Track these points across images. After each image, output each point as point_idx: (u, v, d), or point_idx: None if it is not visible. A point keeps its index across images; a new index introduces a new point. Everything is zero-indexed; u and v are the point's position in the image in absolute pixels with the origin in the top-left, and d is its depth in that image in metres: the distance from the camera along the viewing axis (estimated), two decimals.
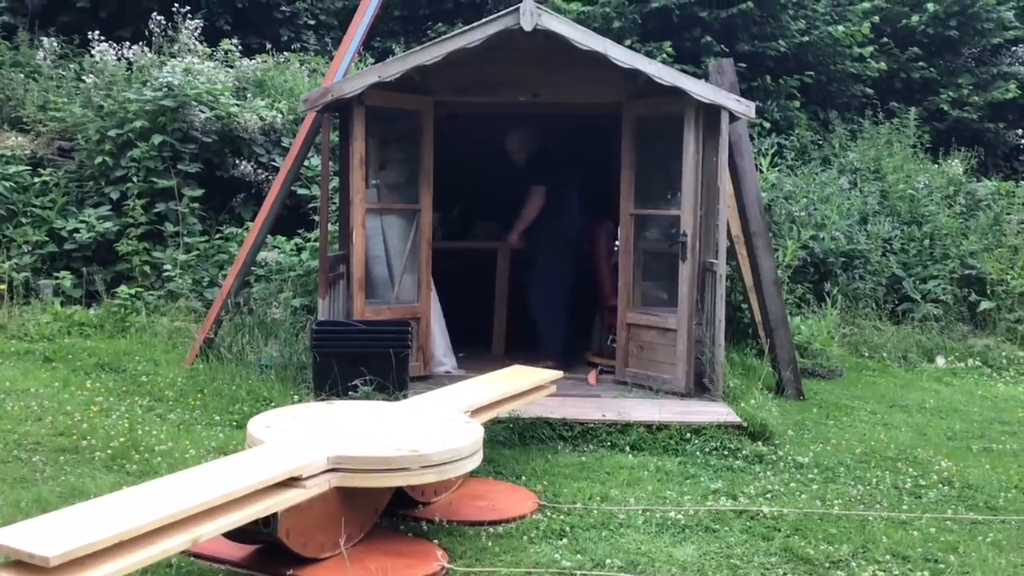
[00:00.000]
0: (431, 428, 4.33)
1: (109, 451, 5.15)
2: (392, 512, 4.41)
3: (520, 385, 5.52)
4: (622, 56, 6.46)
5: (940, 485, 5.33)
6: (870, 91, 13.71)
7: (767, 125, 12.17)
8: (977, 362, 9.21)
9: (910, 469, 5.61)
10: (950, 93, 13.84)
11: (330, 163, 7.08)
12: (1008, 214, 10.83)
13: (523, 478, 5.15)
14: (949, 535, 4.55)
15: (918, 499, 5.13)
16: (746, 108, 6.53)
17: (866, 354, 9.28)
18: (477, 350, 8.18)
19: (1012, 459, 6.03)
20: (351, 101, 6.51)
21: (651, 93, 6.67)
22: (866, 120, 12.65)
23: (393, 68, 6.48)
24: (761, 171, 10.34)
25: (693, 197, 6.59)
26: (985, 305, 9.92)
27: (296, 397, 6.04)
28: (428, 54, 6.45)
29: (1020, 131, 14.45)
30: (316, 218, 8.55)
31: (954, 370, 9.04)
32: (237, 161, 9.31)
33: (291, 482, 3.68)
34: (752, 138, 11.18)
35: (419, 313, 7.03)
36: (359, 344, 6.05)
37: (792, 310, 9.41)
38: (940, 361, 9.27)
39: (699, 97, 6.40)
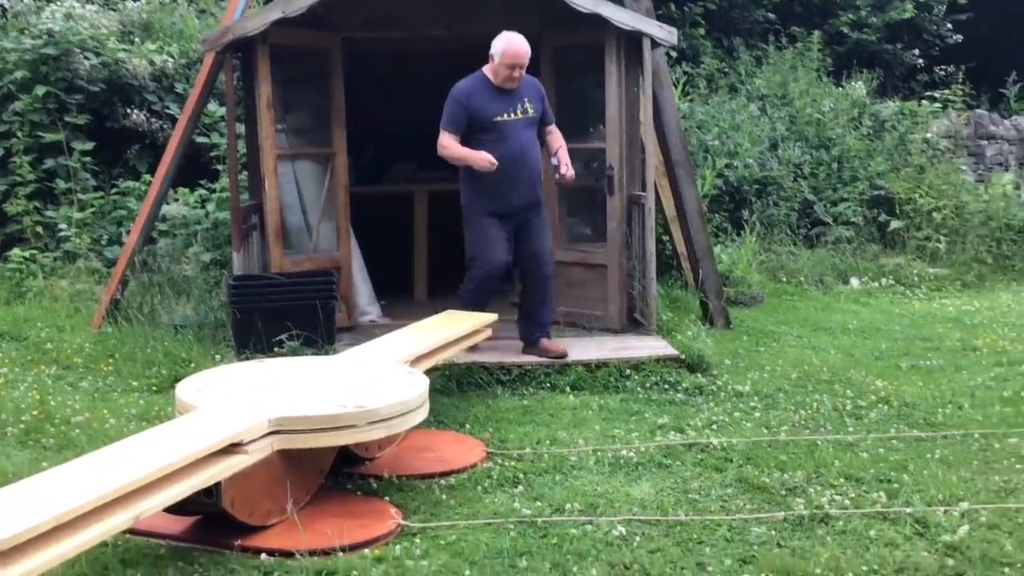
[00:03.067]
0: (374, 381, 4.12)
1: (21, 425, 4.78)
2: (337, 471, 4.19)
3: (458, 330, 5.33)
4: None
5: (879, 405, 5.37)
6: (772, 16, 13.72)
7: (674, 54, 12.05)
8: (890, 281, 9.38)
9: (847, 391, 5.63)
10: (849, 15, 13.94)
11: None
12: (912, 134, 11.01)
13: (467, 426, 4.99)
14: (896, 454, 4.56)
15: (860, 420, 5.15)
16: (668, 34, 6.38)
17: (784, 279, 9.36)
18: (399, 297, 7.95)
19: (941, 374, 6.12)
20: (254, 40, 6.12)
21: (570, 22, 6.45)
22: (770, 46, 12.66)
23: (297, 3, 6.09)
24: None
25: (618, 129, 6.43)
26: (895, 225, 10.10)
27: (218, 357, 5.72)
28: None
29: (917, 51, 14.66)
30: (219, 167, 8.13)
31: (869, 290, 9.19)
32: (128, 110, 8.76)
33: (232, 448, 3.43)
34: None
35: (340, 262, 6.75)
36: (281, 297, 5.76)
37: (711, 240, 9.41)
38: (855, 282, 9.41)
39: (620, 24, 6.20)
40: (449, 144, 5.66)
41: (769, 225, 9.99)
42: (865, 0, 14.08)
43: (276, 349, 5.57)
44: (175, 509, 3.42)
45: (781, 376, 5.99)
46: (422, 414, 3.99)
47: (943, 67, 14.47)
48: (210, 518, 3.59)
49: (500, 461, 4.45)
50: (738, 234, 9.57)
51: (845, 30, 13.84)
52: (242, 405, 3.72)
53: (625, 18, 6.22)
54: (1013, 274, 9.84)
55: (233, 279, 5.91)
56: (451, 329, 5.26)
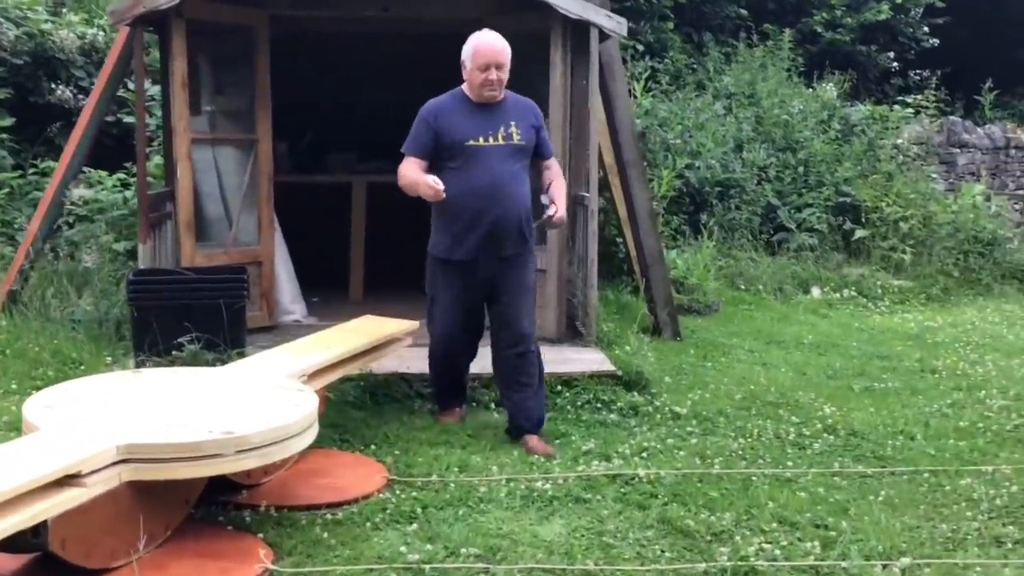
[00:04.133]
0: (254, 401, 3.67)
1: None
2: (212, 499, 3.74)
3: (369, 339, 4.87)
4: None
5: (824, 434, 4.96)
6: (744, 12, 13.30)
7: (640, 47, 11.64)
8: (852, 292, 9.02)
9: (792, 416, 5.23)
10: (823, 14, 13.55)
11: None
12: (882, 139, 10.63)
13: (374, 446, 4.54)
14: (838, 493, 4.16)
15: (802, 451, 4.75)
16: (617, 25, 5.93)
17: (742, 287, 8.97)
18: (334, 294, 7.50)
19: (895, 399, 5.73)
20: (168, 13, 5.62)
21: (515, 8, 6.02)
22: (740, 43, 12.25)
23: None
24: (635, 96, 9.83)
25: (562, 123, 5.99)
26: (860, 233, 9.73)
27: (110, 359, 5.23)
28: None
29: (892, 54, 14.30)
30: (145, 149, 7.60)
31: (830, 301, 8.82)
32: (53, 85, 8.23)
33: (68, 480, 2.97)
34: (625, 61, 10.64)
35: (260, 256, 6.28)
36: (185, 295, 5.28)
37: (668, 243, 9.00)
38: (816, 292, 9.04)
39: (565, 12, 5.76)
40: (406, 170, 4.53)
41: (730, 229, 9.60)
42: (840, 0, 13.70)
43: (175, 353, 5.09)
44: (4, 546, 2.97)
45: (724, 396, 5.59)
46: (306, 439, 3.54)
47: (918, 71, 14.14)
48: (49, 555, 3.13)
49: (400, 490, 4.01)
50: (696, 238, 9.16)
51: (819, 29, 13.45)
52: (91, 428, 3.25)
53: (571, 5, 5.77)
54: (979, 288, 9.51)
55: (134, 273, 5.42)
56: (362, 338, 4.80)
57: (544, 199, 4.66)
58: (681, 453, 4.61)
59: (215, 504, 3.75)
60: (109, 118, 8.14)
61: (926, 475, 4.42)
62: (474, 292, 4.67)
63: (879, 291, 9.06)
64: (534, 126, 4.67)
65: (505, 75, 4.54)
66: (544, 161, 4.78)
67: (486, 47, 4.51)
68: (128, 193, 7.06)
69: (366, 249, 7.70)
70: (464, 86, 4.64)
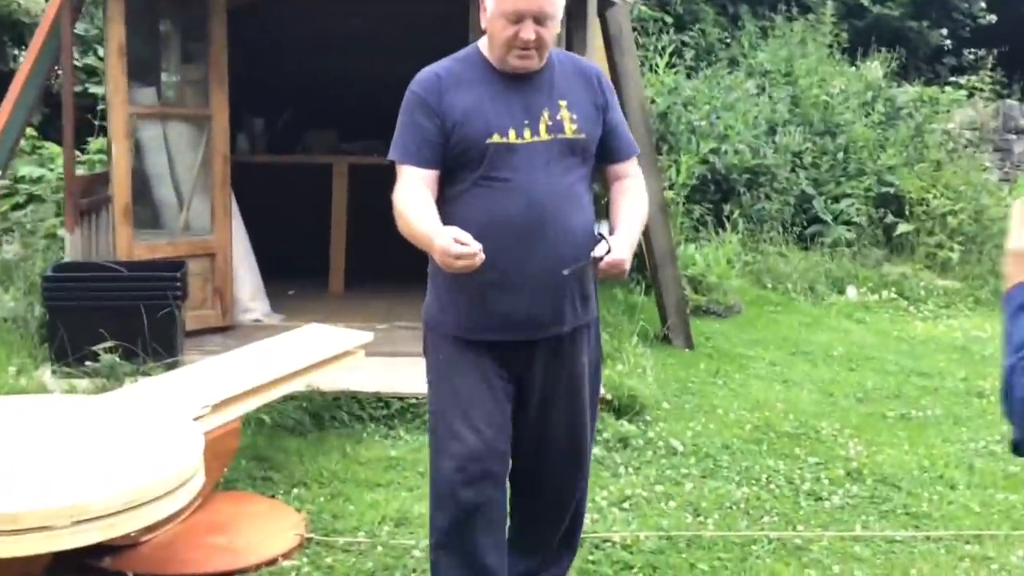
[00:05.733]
0: (119, 448, 2.94)
1: None
2: (78, 563, 3.03)
3: (312, 355, 4.13)
4: None
5: (847, 482, 4.15)
6: None
7: (669, 20, 10.74)
8: (892, 293, 8.14)
9: (811, 456, 4.43)
10: None
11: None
12: (931, 124, 9.68)
13: (301, 488, 3.81)
14: (858, 569, 3.37)
15: (818, 503, 3.95)
16: None
17: (769, 285, 8.11)
18: (313, 286, 6.82)
19: (934, 431, 4.91)
20: None
21: None
22: (779, 16, 11.30)
23: None
24: (657, 72, 8.98)
25: None
26: (903, 228, 8.83)
27: (13, 369, 4.52)
28: None
29: (944, 30, 13.26)
30: (103, 123, 6.93)
31: (867, 303, 7.95)
32: (18, 52, 7.58)
33: None
34: (650, 34, 9.79)
35: (214, 247, 5.57)
36: (104, 295, 4.59)
37: (689, 234, 8.18)
38: (851, 293, 8.17)
39: None
40: (404, 196, 2.57)
41: (758, 221, 8.74)
42: None
43: (89, 363, 4.40)
44: None
45: (734, 425, 4.79)
46: (177, 501, 2.80)
47: (972, 50, 13.08)
48: None
49: (314, 554, 3.28)
50: (720, 230, 8.32)
51: (865, 3, 12.43)
52: None
53: None
54: None
55: (52, 267, 4.74)
56: (302, 354, 4.06)
57: (598, 228, 2.71)
58: (671, 505, 3.83)
59: (77, 571, 3.04)
60: (77, 88, 7.50)
61: (969, 544, 3.61)
62: (507, 380, 2.71)
63: (922, 293, 8.18)
64: (597, 105, 2.72)
65: (552, 32, 2.56)
66: (615, 165, 2.79)
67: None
68: (82, 171, 6.39)
69: (348, 236, 6.98)
70: (481, 43, 2.69)
